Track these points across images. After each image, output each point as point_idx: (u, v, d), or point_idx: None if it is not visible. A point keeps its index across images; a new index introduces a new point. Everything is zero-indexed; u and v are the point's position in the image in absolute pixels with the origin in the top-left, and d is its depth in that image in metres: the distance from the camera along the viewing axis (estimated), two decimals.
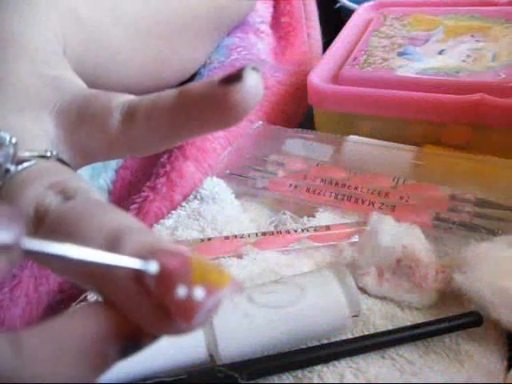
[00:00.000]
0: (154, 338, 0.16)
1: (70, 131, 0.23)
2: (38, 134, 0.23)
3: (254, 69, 0.19)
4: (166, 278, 0.15)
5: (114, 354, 0.16)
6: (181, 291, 0.15)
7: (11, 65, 0.25)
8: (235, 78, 0.19)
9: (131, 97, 0.22)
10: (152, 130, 0.21)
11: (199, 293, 0.15)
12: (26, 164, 0.20)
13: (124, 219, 0.18)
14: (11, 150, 0.20)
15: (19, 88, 0.24)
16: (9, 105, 0.23)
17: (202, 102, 0.19)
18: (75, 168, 0.24)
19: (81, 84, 0.26)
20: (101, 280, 0.17)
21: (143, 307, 0.16)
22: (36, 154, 0.21)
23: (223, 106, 0.19)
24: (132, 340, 0.16)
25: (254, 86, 0.19)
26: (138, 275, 0.15)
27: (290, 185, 0.37)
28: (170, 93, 0.21)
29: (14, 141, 0.20)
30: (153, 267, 0.15)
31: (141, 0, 0.36)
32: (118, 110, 0.22)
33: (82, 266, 0.16)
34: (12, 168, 0.20)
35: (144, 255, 0.16)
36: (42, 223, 0.19)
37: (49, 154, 0.21)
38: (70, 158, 0.23)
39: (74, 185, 0.19)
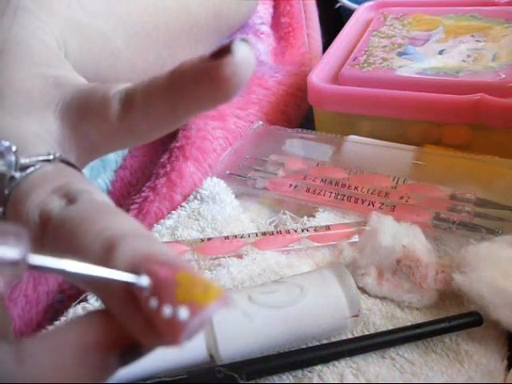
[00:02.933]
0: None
1: (73, 128, 0.23)
2: (43, 137, 0.23)
3: (243, 41, 0.18)
4: (152, 296, 0.15)
5: (114, 362, 0.16)
6: (166, 311, 0.15)
7: (13, 70, 0.25)
8: (225, 51, 0.18)
9: (128, 84, 0.22)
10: (151, 113, 0.21)
11: (183, 313, 0.15)
12: (29, 170, 0.20)
13: (121, 223, 0.18)
14: (13, 158, 0.20)
15: (22, 92, 0.24)
16: (13, 110, 0.24)
17: (195, 78, 0.19)
18: (84, 164, 0.25)
19: (81, 80, 0.26)
20: (98, 292, 0.17)
21: (135, 321, 0.16)
22: (39, 158, 0.21)
23: (215, 81, 0.19)
24: (131, 348, 0.16)
25: (245, 58, 0.18)
26: (128, 290, 0.16)
27: (290, 185, 0.37)
28: (164, 73, 0.21)
29: (14, 149, 0.20)
30: (144, 281, 0.16)
31: (140, 6, 0.36)
32: (116, 99, 0.22)
33: (80, 278, 0.16)
34: (17, 175, 0.20)
35: (134, 266, 0.16)
36: (47, 229, 0.19)
37: (51, 156, 0.21)
38: (77, 155, 0.24)
39: (76, 187, 0.20)
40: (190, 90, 0.20)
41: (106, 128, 0.22)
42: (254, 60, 0.19)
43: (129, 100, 0.22)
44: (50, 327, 0.30)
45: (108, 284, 0.16)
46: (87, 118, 0.23)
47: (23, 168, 0.20)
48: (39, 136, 0.23)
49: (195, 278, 0.16)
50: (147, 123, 0.22)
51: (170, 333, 0.15)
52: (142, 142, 0.23)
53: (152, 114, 0.21)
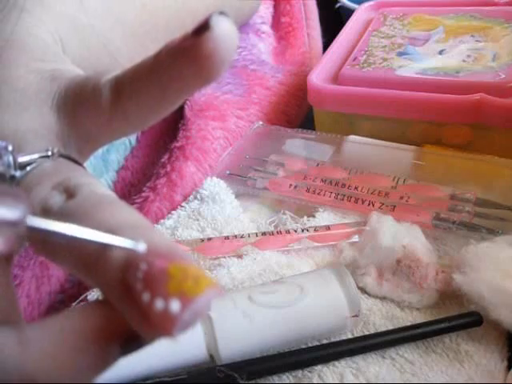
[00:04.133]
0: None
1: (70, 121, 0.23)
2: (41, 133, 0.23)
3: (221, 14, 0.18)
4: (145, 289, 0.16)
5: (114, 351, 0.16)
6: (158, 304, 0.15)
7: (9, 68, 0.25)
8: (203, 27, 0.18)
9: (117, 72, 0.22)
10: (140, 98, 0.21)
11: (175, 306, 0.15)
12: (29, 167, 0.21)
13: (119, 215, 0.18)
14: (10, 158, 0.20)
15: (19, 89, 0.24)
16: (10, 108, 0.24)
17: (179, 57, 0.19)
18: (86, 156, 0.25)
19: (77, 72, 0.26)
20: (97, 285, 0.17)
21: (132, 313, 0.16)
22: (37, 155, 0.21)
23: (198, 59, 0.18)
24: (132, 338, 0.16)
25: (225, 32, 0.18)
26: (124, 282, 0.16)
27: (290, 185, 0.37)
28: (150, 55, 0.20)
29: (10, 148, 0.20)
30: (141, 247, 0.16)
31: (138, 4, 0.36)
32: (106, 88, 0.22)
33: (79, 244, 0.16)
34: (17, 174, 0.20)
35: (130, 258, 0.16)
36: None
37: (49, 152, 0.21)
38: (77, 147, 0.24)
39: (75, 182, 0.20)
40: (175, 70, 0.19)
41: (100, 118, 0.22)
42: (235, 33, 0.18)
43: (118, 88, 0.21)
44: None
45: (105, 276, 0.16)
46: (81, 109, 0.23)
47: (22, 166, 0.21)
48: (38, 132, 0.23)
49: (188, 269, 0.16)
50: (139, 108, 0.21)
51: (163, 325, 0.15)
52: (138, 128, 0.23)
53: (142, 99, 0.21)
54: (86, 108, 0.23)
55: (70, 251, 0.17)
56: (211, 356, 0.27)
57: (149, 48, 0.37)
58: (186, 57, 0.19)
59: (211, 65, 0.18)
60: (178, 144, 0.40)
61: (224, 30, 0.18)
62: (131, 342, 0.17)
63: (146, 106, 0.21)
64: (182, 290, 0.15)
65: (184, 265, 0.16)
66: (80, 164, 0.22)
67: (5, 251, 0.15)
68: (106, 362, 0.17)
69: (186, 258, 0.16)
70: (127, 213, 0.18)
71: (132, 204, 0.38)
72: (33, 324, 0.16)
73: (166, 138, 0.42)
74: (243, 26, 0.53)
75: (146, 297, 0.15)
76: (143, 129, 0.23)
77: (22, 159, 0.21)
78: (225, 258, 0.33)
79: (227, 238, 0.34)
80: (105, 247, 0.17)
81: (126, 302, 0.16)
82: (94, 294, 0.31)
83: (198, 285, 0.15)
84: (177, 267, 0.16)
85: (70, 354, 0.16)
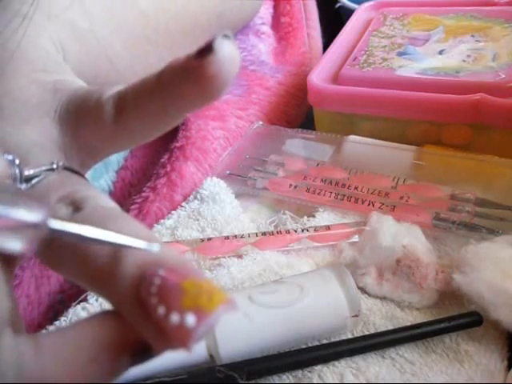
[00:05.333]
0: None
1: (72, 133, 0.23)
2: (44, 145, 0.23)
3: (225, 37, 0.18)
4: (159, 303, 0.16)
5: (125, 361, 0.17)
6: (174, 318, 0.15)
7: (12, 79, 0.25)
8: (207, 49, 0.18)
9: (120, 87, 0.22)
10: (143, 114, 0.21)
11: (190, 320, 0.15)
12: (34, 180, 0.21)
13: (128, 229, 0.18)
14: (17, 171, 0.20)
15: (21, 101, 0.24)
16: (12, 120, 0.24)
17: (182, 78, 0.19)
18: (88, 167, 0.25)
19: (79, 84, 0.26)
20: (109, 299, 0.18)
21: (146, 327, 0.16)
22: (43, 168, 0.21)
23: (201, 80, 0.18)
24: (143, 349, 0.17)
25: (228, 55, 0.18)
26: (137, 298, 0.16)
27: (290, 185, 0.37)
28: (153, 74, 0.21)
29: (17, 162, 0.20)
30: (155, 248, 0.16)
31: (138, 9, 0.36)
32: (109, 103, 0.22)
33: (91, 258, 0.17)
34: (22, 187, 0.20)
35: (142, 271, 0.16)
36: (55, 237, 0.19)
37: (55, 165, 0.21)
38: (80, 159, 0.24)
39: (81, 195, 0.20)
40: (178, 90, 0.20)
41: (102, 132, 0.22)
42: (238, 56, 0.18)
43: (121, 103, 0.22)
44: (51, 327, 0.30)
45: (118, 290, 0.17)
46: (84, 122, 0.23)
47: (28, 179, 0.21)
48: (41, 144, 0.23)
49: (201, 284, 0.16)
50: (141, 124, 0.22)
51: (179, 339, 0.15)
52: (141, 142, 0.23)
53: (144, 115, 0.21)
54: (88, 122, 0.23)
55: (81, 265, 0.18)
56: (211, 356, 0.27)
57: (149, 52, 0.38)
58: (189, 78, 0.19)
59: (214, 86, 0.19)
60: (177, 144, 0.40)
61: (227, 53, 0.18)
62: (142, 352, 0.17)
63: (148, 122, 0.21)
64: (197, 305, 0.15)
65: (197, 280, 0.16)
66: (83, 176, 0.23)
67: (26, 252, 0.16)
68: (117, 371, 0.17)
69: (198, 272, 0.17)
70: (135, 227, 0.18)
71: (132, 204, 0.38)
72: (49, 333, 0.17)
73: (166, 138, 0.42)
74: (243, 27, 0.53)
75: (161, 310, 0.16)
76: (146, 142, 0.23)
77: (27, 172, 0.21)
78: (225, 257, 0.33)
79: (227, 238, 0.34)
80: (115, 261, 0.17)
81: (139, 315, 0.16)
82: (93, 295, 0.31)
83: (212, 301, 0.16)
84: (190, 282, 0.16)
85: (83, 364, 0.16)
